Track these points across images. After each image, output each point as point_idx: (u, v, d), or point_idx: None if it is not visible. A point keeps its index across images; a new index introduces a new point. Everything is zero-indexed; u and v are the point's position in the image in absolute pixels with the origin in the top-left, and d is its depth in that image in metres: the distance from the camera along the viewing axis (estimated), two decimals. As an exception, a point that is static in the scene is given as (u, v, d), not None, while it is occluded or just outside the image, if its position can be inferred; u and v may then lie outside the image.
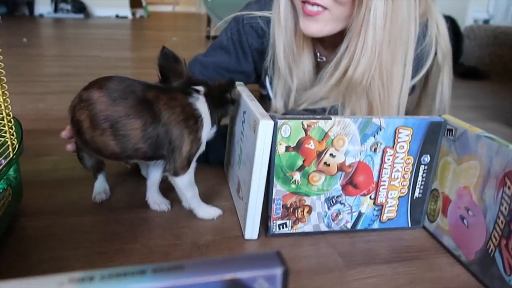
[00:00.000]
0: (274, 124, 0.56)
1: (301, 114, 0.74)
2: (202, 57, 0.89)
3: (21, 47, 2.13)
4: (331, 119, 0.58)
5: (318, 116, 0.58)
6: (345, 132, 0.59)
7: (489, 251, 0.52)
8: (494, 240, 0.51)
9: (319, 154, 0.59)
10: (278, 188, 0.60)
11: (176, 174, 0.60)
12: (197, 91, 0.63)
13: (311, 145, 0.59)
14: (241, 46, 0.85)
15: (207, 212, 0.66)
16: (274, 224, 0.62)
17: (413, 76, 0.72)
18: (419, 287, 0.53)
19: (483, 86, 1.86)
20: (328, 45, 0.79)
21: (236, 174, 0.69)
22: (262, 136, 0.55)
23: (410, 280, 0.54)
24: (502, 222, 0.50)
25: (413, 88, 0.77)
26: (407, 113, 0.75)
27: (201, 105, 0.62)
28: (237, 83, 0.74)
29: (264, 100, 1.01)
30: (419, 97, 0.81)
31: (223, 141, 0.80)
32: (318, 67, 0.81)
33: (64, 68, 1.73)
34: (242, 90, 0.71)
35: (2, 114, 0.56)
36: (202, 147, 0.62)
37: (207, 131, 0.63)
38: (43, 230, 0.61)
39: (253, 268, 0.24)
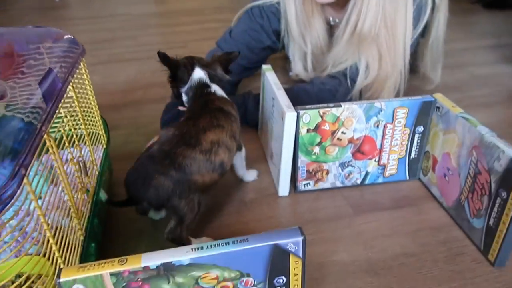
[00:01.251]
0: (297, 115, 0.73)
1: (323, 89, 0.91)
2: (223, 43, 1.03)
3: (52, 9, 2.19)
4: (341, 106, 0.75)
5: (331, 105, 0.75)
6: (353, 115, 0.76)
7: (461, 200, 0.70)
8: (464, 193, 0.69)
9: (333, 133, 0.77)
10: (302, 158, 0.79)
11: (240, 149, 0.78)
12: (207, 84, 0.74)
13: (326, 127, 0.76)
14: (263, 28, 0.99)
15: (252, 175, 0.85)
16: (300, 184, 0.82)
17: (415, 25, 0.86)
18: (408, 227, 0.73)
19: (509, 19, 1.80)
20: (337, 8, 0.92)
21: (270, 145, 0.89)
22: (288, 124, 0.73)
23: (403, 222, 0.74)
24: (469, 181, 0.68)
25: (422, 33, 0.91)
26: (413, 66, 0.91)
27: (218, 90, 0.75)
28: (264, 67, 0.90)
29: (289, 61, 1.16)
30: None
31: (257, 106, 0.98)
32: (332, 30, 0.96)
33: (100, 32, 1.81)
34: (270, 75, 0.87)
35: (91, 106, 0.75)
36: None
37: None
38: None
39: (286, 238, 0.44)
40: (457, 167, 0.71)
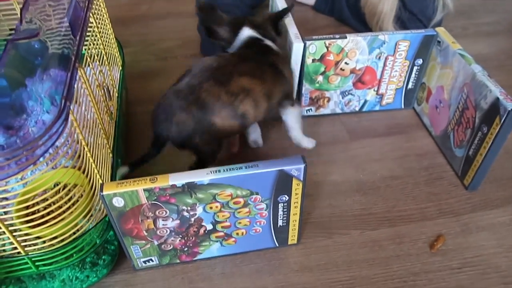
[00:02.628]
0: (304, 45, 0.77)
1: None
2: None
3: None
4: (346, 38, 0.78)
5: (337, 36, 0.78)
6: (357, 46, 0.79)
7: (448, 131, 0.78)
8: (451, 125, 0.76)
9: (337, 63, 0.81)
10: (307, 86, 0.84)
11: (294, 103, 0.73)
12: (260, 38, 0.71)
13: (331, 57, 0.80)
14: None
15: (310, 142, 0.79)
16: (303, 110, 0.88)
17: None
18: (397, 152, 0.81)
19: None
20: None
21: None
22: (295, 53, 0.77)
23: (392, 148, 0.82)
24: (457, 114, 0.74)
25: None
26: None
27: (275, 46, 0.71)
28: None
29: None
30: None
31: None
32: None
33: None
34: (279, 1, 0.88)
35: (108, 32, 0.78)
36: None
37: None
38: (144, 115, 0.88)
39: (291, 164, 0.52)
40: (448, 100, 0.77)
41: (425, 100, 0.86)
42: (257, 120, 0.70)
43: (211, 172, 0.51)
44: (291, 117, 0.74)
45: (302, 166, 0.52)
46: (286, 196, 0.56)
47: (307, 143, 0.78)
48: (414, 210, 0.69)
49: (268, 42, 0.71)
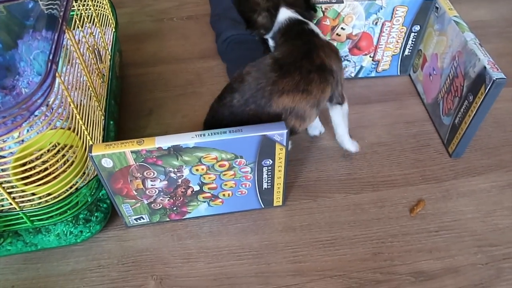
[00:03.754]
0: (298, 9, 0.76)
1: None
2: None
3: None
4: (343, 3, 0.77)
5: (333, 0, 0.77)
6: (354, 11, 0.78)
7: (438, 99, 0.78)
8: (441, 93, 0.77)
9: (333, 28, 0.81)
10: (300, 51, 0.84)
11: (343, 102, 0.67)
12: (302, 20, 0.64)
13: (327, 22, 0.79)
14: None
15: (354, 145, 0.72)
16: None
17: None
18: (387, 119, 0.82)
19: None
20: None
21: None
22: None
23: (383, 115, 0.82)
24: (447, 83, 0.74)
25: None
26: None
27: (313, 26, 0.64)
28: None
29: None
30: None
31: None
32: None
33: None
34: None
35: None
36: None
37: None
38: (139, 78, 0.91)
39: (273, 130, 0.54)
40: (441, 68, 0.77)
41: (420, 67, 0.85)
42: (308, 125, 0.66)
43: (196, 136, 0.53)
44: (338, 114, 0.69)
45: (284, 131, 0.54)
46: (270, 160, 0.58)
47: (350, 145, 0.72)
48: (398, 176, 0.71)
49: (311, 26, 0.64)
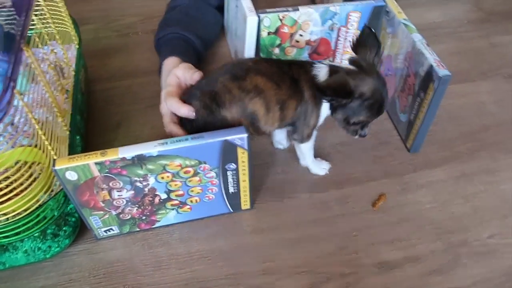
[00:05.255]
0: (258, 18, 0.79)
1: None
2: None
3: None
4: (298, 10, 0.80)
5: (290, 9, 0.80)
6: (310, 18, 0.82)
7: (394, 98, 0.82)
8: (397, 91, 0.81)
9: (291, 35, 0.84)
10: (263, 59, 0.87)
11: (302, 141, 0.68)
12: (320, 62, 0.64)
13: (285, 30, 0.83)
14: None
15: (320, 167, 0.74)
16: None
17: None
18: (350, 120, 0.85)
19: None
20: None
21: (234, 44, 0.95)
22: (250, 27, 0.79)
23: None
24: (402, 82, 0.78)
25: None
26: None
27: (323, 74, 0.62)
28: None
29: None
30: None
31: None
32: None
33: None
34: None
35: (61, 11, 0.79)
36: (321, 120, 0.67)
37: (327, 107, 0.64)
38: (107, 92, 0.92)
39: (234, 134, 0.56)
40: (395, 68, 0.81)
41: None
42: (269, 129, 0.65)
43: (158, 145, 0.55)
44: (299, 149, 0.72)
45: (244, 135, 0.56)
46: (233, 164, 0.60)
47: (317, 170, 0.74)
48: (361, 173, 0.74)
49: (316, 71, 0.63)
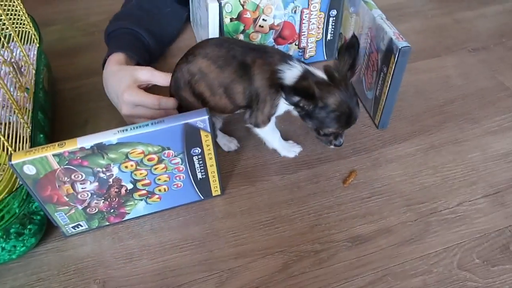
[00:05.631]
0: (219, 5, 0.78)
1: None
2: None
3: None
4: (259, -5, 0.80)
5: (249, -6, 0.80)
6: (271, 2, 0.81)
7: (360, 76, 0.82)
8: (362, 69, 0.81)
9: (255, 20, 0.83)
10: (228, 46, 0.86)
11: (257, 126, 0.68)
12: (298, 61, 0.63)
13: (248, 15, 0.82)
14: None
15: (289, 150, 0.74)
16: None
17: None
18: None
19: None
20: None
21: (199, 33, 0.94)
22: (212, 14, 0.79)
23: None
24: (366, 59, 0.79)
25: None
26: None
27: (291, 69, 0.62)
28: None
29: None
30: None
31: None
32: None
33: None
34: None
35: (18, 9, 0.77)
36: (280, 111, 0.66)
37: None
38: (74, 90, 0.90)
39: (195, 117, 0.55)
40: (360, 48, 0.81)
41: (342, 49, 0.90)
42: (225, 109, 0.67)
43: (118, 132, 0.54)
44: (260, 134, 0.70)
45: (206, 117, 0.55)
46: (198, 148, 0.59)
47: (286, 153, 0.74)
48: (331, 152, 0.74)
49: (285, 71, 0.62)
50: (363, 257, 0.60)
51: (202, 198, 0.67)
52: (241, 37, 0.85)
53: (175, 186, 0.63)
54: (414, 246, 0.61)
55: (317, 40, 0.91)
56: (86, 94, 0.89)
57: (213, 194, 0.68)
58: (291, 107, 0.63)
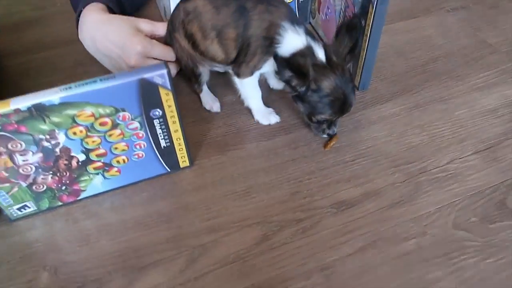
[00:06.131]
0: None
1: None
2: None
3: None
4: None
5: None
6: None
7: (339, 37, 0.76)
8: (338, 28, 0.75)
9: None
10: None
11: (238, 75, 0.62)
12: (305, 31, 0.57)
13: None
14: None
15: (264, 116, 0.67)
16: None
17: None
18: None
19: None
20: None
21: (161, 2, 0.86)
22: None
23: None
24: (342, 16, 0.73)
25: None
26: None
27: (294, 35, 0.56)
28: None
29: None
30: None
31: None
32: None
33: None
34: None
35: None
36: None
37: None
38: (23, 66, 0.81)
39: (151, 71, 0.48)
40: (334, 5, 0.75)
41: (317, 11, 0.84)
42: (211, 57, 0.62)
43: (60, 90, 0.46)
44: (238, 86, 0.64)
45: (164, 71, 0.48)
46: (158, 110, 0.52)
47: (261, 118, 0.67)
48: (309, 116, 0.68)
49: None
50: (350, 223, 0.54)
51: (169, 170, 0.60)
52: None
53: (136, 156, 0.56)
54: (405, 208, 0.55)
55: (289, 2, 0.85)
56: (35, 69, 0.79)
57: (181, 166, 0.60)
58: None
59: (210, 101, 0.69)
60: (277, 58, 0.55)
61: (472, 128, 0.65)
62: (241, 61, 0.60)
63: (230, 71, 0.63)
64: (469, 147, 0.63)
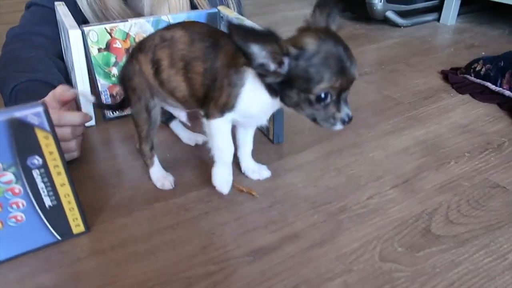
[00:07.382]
0: (82, 32, 0.71)
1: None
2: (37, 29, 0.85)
3: None
4: (128, 21, 0.75)
5: (118, 20, 0.75)
6: (143, 30, 0.76)
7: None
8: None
9: (127, 50, 0.77)
10: (102, 82, 0.77)
11: (207, 116, 0.54)
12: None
13: (118, 44, 0.76)
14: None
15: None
16: (107, 112, 0.80)
17: None
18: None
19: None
20: None
21: (68, 64, 0.83)
22: (74, 43, 0.71)
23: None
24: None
25: None
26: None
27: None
28: (56, 3, 0.83)
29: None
30: None
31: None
32: None
33: None
34: (60, 9, 0.82)
35: None
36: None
37: (259, 98, 0.51)
38: None
39: (24, 110, 0.43)
40: None
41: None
42: (171, 91, 0.57)
43: None
44: (206, 130, 0.56)
45: (39, 109, 0.43)
46: (37, 158, 0.45)
47: (218, 182, 0.58)
48: (223, 170, 0.64)
49: None
50: (268, 270, 0.47)
51: (59, 239, 0.51)
52: (114, 70, 0.77)
53: (14, 220, 0.47)
54: (327, 247, 0.50)
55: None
56: None
57: (75, 232, 0.52)
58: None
59: (161, 178, 0.62)
60: (232, 30, 0.43)
61: (387, 166, 0.65)
62: (210, 99, 0.53)
63: (201, 112, 0.56)
64: (387, 182, 0.61)
